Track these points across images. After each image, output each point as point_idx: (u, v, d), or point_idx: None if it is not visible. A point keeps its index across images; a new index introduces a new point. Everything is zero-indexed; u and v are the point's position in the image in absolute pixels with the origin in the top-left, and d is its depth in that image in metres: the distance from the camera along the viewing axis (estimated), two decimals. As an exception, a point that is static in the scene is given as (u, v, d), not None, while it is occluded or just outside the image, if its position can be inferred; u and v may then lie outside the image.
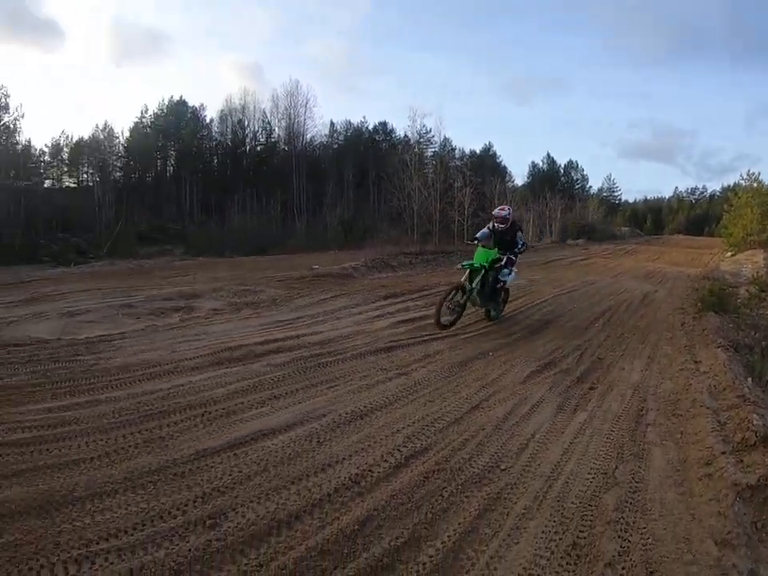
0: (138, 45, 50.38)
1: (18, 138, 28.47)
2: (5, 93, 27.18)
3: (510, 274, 7.71)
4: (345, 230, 25.15)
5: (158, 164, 35.04)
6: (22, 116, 27.78)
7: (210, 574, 2.42)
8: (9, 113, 27.39)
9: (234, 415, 4.14)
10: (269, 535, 2.67)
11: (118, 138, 33.30)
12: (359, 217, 30.12)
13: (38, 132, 55.56)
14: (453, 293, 7.22)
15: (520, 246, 7.64)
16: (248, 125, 36.10)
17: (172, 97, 35.25)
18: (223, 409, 4.24)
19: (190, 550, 2.56)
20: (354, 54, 60.31)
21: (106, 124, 32.85)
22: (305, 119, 36.41)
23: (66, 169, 33.31)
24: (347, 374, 5.13)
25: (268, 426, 3.94)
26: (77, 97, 49.98)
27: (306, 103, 35.99)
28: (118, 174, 33.10)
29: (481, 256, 7.41)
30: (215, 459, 3.45)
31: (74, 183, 33.10)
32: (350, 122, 39.97)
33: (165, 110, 34.79)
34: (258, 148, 36.57)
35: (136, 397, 4.51)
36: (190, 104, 35.56)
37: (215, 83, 55.50)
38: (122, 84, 52.99)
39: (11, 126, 27.71)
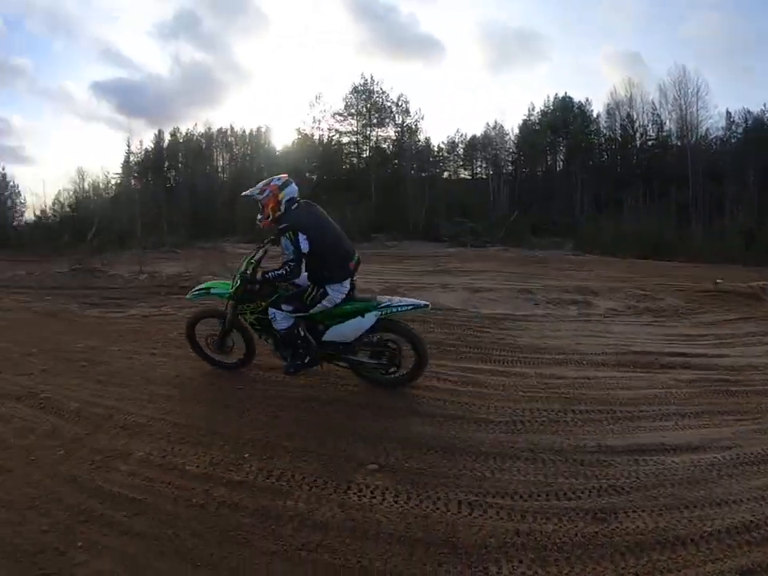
0: (512, 48, 52.21)
1: (419, 136, 35.27)
2: (405, 100, 34.34)
3: (277, 316, 4.24)
4: (746, 240, 21.39)
5: (548, 159, 36.19)
6: (422, 118, 34.56)
7: (587, 563, 2.51)
8: (410, 116, 34.47)
9: (637, 421, 4.13)
10: (651, 550, 2.63)
11: (508, 134, 35.73)
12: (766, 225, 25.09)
13: (436, 131, 64.99)
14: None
15: (280, 269, 4.14)
16: (636, 118, 33.65)
17: (557, 94, 35.56)
18: (628, 411, 4.26)
19: (576, 534, 2.70)
20: (738, 30, 48.29)
21: (495, 122, 35.77)
22: (697, 110, 31.79)
23: (461, 162, 37.50)
24: (757, 409, 4.53)
25: (671, 441, 3.80)
26: (466, 99, 55.96)
27: (697, 92, 31.34)
28: (510, 167, 35.74)
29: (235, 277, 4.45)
30: (615, 458, 3.48)
31: (469, 176, 37.18)
32: (748, 112, 32.42)
33: (551, 107, 35.36)
34: (650, 143, 33.78)
35: (543, 378, 4.91)
36: (576, 99, 35.26)
37: (596, 76, 53.61)
38: (506, 84, 56.59)
39: (413, 126, 34.83)
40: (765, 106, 32.61)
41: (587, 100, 35.10)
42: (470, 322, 6.92)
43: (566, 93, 35.41)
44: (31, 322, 7.52)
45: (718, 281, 11.84)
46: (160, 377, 4.80)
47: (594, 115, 35.04)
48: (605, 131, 34.81)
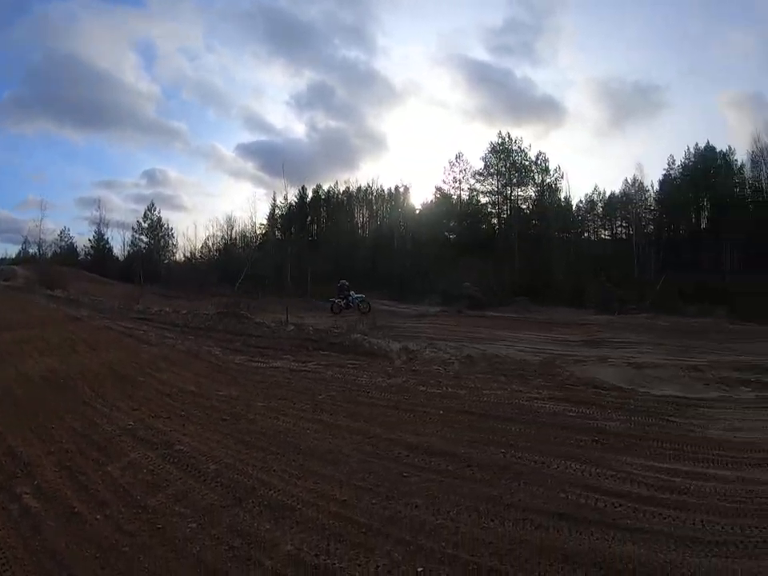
0: (632, 102, 49.19)
1: (560, 195, 34.68)
2: (544, 159, 34.46)
3: None
4: None
5: (693, 217, 32.61)
6: (562, 176, 34.23)
7: None
8: (550, 174, 34.42)
9: None
10: None
11: (648, 191, 33.16)
12: None
13: (576, 190, 64.92)
14: None
15: None
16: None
17: (697, 144, 32.35)
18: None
19: None
20: None
21: (635, 179, 33.21)
22: None
23: (600, 222, 35.41)
24: None
25: None
26: (587, 158, 56.99)
27: None
28: (651, 227, 32.78)
29: None
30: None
31: (608, 236, 35.02)
32: None
33: (692, 159, 32.30)
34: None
35: (745, 483, 3.84)
36: (718, 149, 31.70)
37: (723, 124, 52.05)
38: (639, 138, 54.46)
39: (553, 185, 34.63)
40: None
41: (730, 149, 31.49)
42: (649, 408, 5.91)
43: (707, 142, 32.25)
44: (174, 360, 7.67)
45: None
46: (310, 448, 4.30)
47: (738, 165, 31.32)
48: (751, 182, 30.53)
